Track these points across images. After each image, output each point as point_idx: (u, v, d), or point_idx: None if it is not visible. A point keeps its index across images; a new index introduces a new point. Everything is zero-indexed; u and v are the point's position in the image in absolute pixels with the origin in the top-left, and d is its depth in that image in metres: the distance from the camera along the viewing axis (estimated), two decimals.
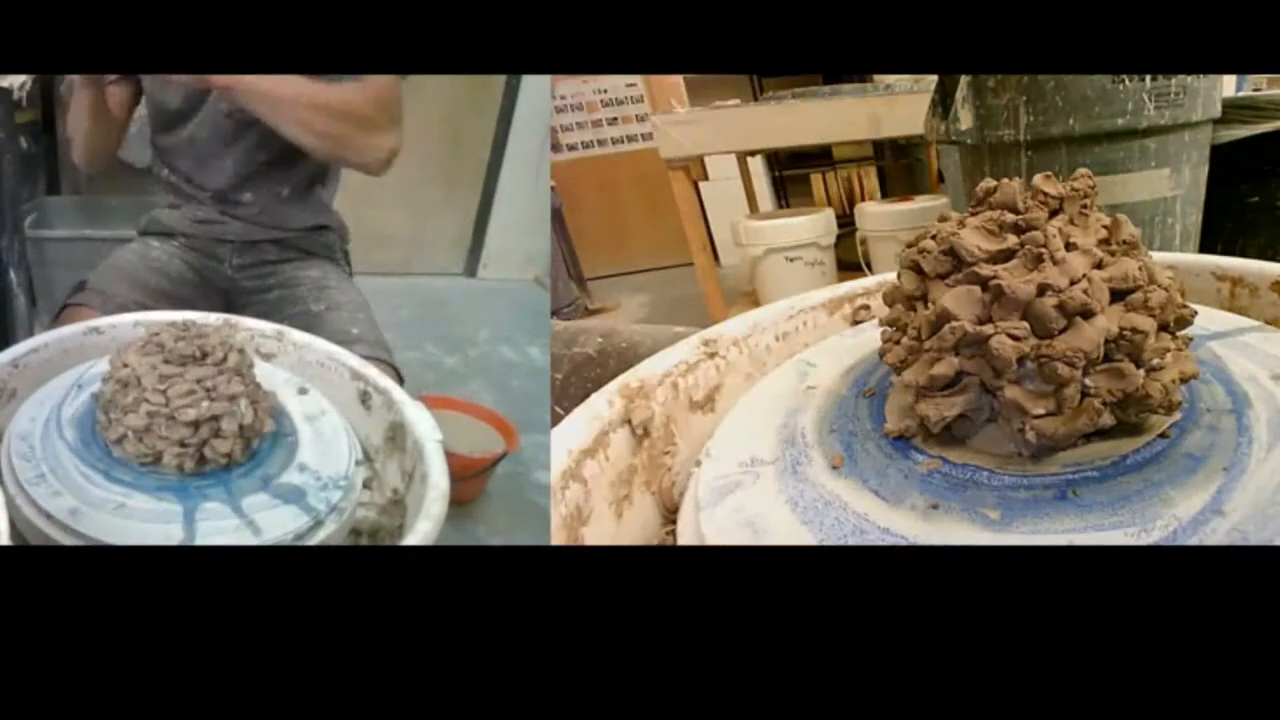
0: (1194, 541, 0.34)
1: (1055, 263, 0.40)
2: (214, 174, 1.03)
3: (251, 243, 1.06)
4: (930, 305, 0.42)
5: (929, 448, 0.43)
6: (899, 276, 0.45)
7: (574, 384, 0.94)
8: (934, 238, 0.44)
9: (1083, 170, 0.45)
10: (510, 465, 1.40)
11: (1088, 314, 0.39)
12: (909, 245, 0.45)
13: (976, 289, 0.40)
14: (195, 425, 0.57)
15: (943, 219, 0.45)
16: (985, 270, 0.40)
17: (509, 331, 2.11)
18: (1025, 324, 0.39)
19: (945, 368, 0.40)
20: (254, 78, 0.84)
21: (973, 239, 0.42)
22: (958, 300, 0.41)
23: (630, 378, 0.55)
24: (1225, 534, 0.34)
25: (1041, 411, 0.39)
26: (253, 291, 1.07)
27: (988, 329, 0.39)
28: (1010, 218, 0.42)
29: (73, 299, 0.95)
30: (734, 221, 2.70)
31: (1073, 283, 0.39)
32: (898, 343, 0.45)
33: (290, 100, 0.87)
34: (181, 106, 1.00)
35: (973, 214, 0.44)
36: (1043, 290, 0.39)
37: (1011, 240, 0.41)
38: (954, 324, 0.40)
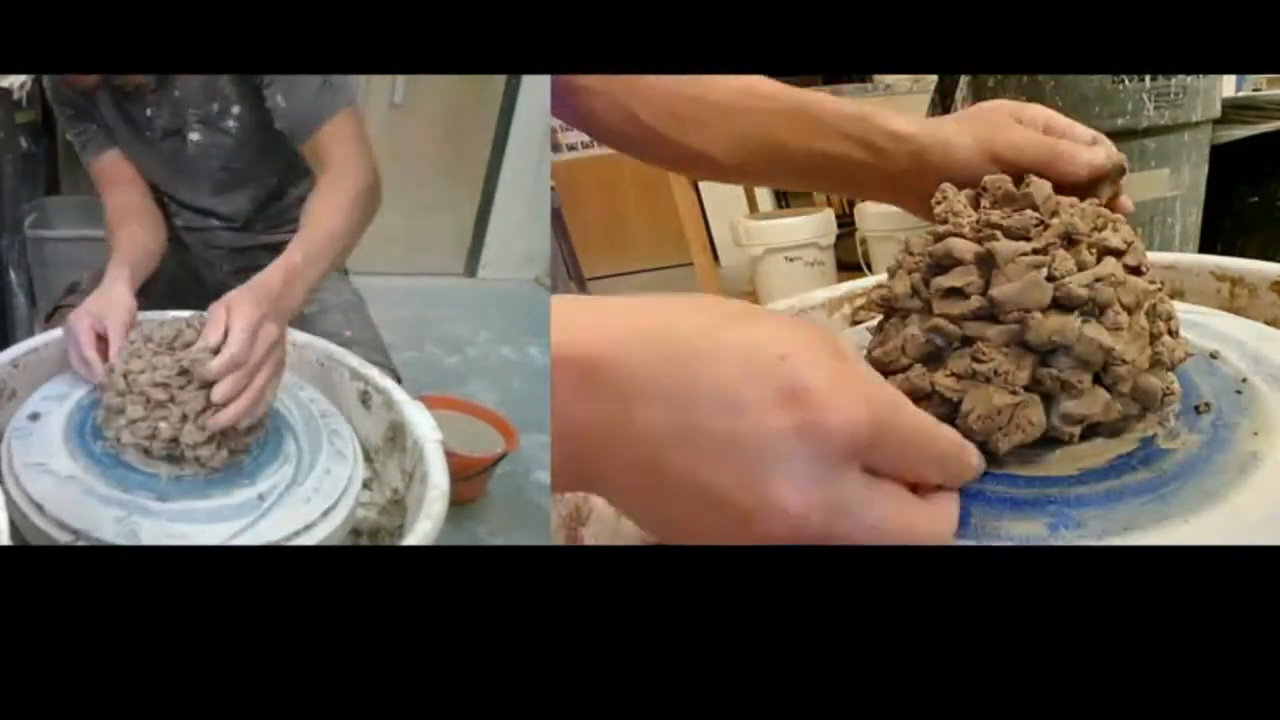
0: None
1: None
2: (184, 188, 1.02)
3: (240, 249, 1.05)
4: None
5: None
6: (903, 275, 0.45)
7: None
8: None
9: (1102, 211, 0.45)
10: (510, 465, 1.40)
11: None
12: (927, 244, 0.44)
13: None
14: (195, 421, 0.57)
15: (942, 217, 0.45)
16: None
17: (509, 331, 2.11)
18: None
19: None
20: (321, 245, 0.79)
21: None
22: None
23: None
24: None
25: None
26: None
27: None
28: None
29: (65, 300, 0.95)
30: (734, 221, 2.70)
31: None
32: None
33: (345, 235, 0.82)
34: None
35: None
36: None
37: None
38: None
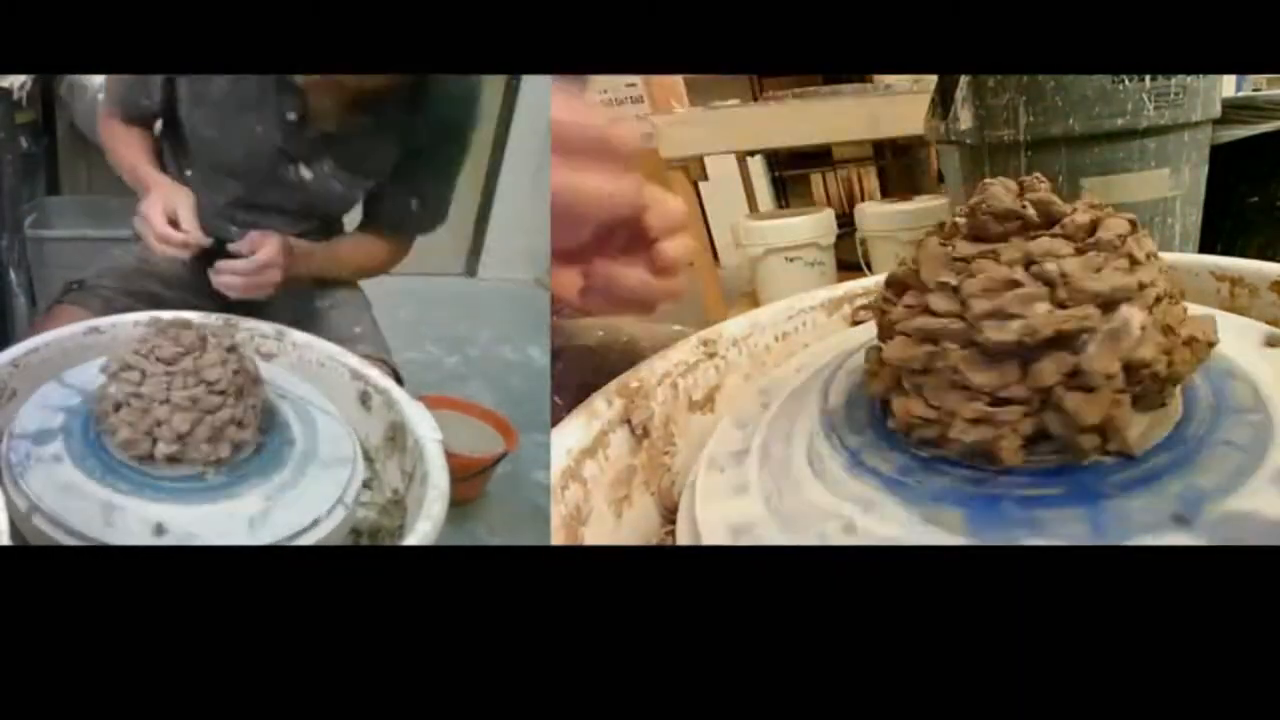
0: None
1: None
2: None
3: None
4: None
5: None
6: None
7: (574, 373, 0.94)
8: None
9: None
10: (510, 465, 1.40)
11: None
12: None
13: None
14: (197, 421, 0.57)
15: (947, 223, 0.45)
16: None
17: (509, 331, 2.11)
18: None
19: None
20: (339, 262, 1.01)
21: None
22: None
23: (629, 377, 0.55)
24: None
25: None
26: None
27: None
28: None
29: (65, 299, 0.94)
30: (734, 222, 2.70)
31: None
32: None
33: (357, 270, 1.06)
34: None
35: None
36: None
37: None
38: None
